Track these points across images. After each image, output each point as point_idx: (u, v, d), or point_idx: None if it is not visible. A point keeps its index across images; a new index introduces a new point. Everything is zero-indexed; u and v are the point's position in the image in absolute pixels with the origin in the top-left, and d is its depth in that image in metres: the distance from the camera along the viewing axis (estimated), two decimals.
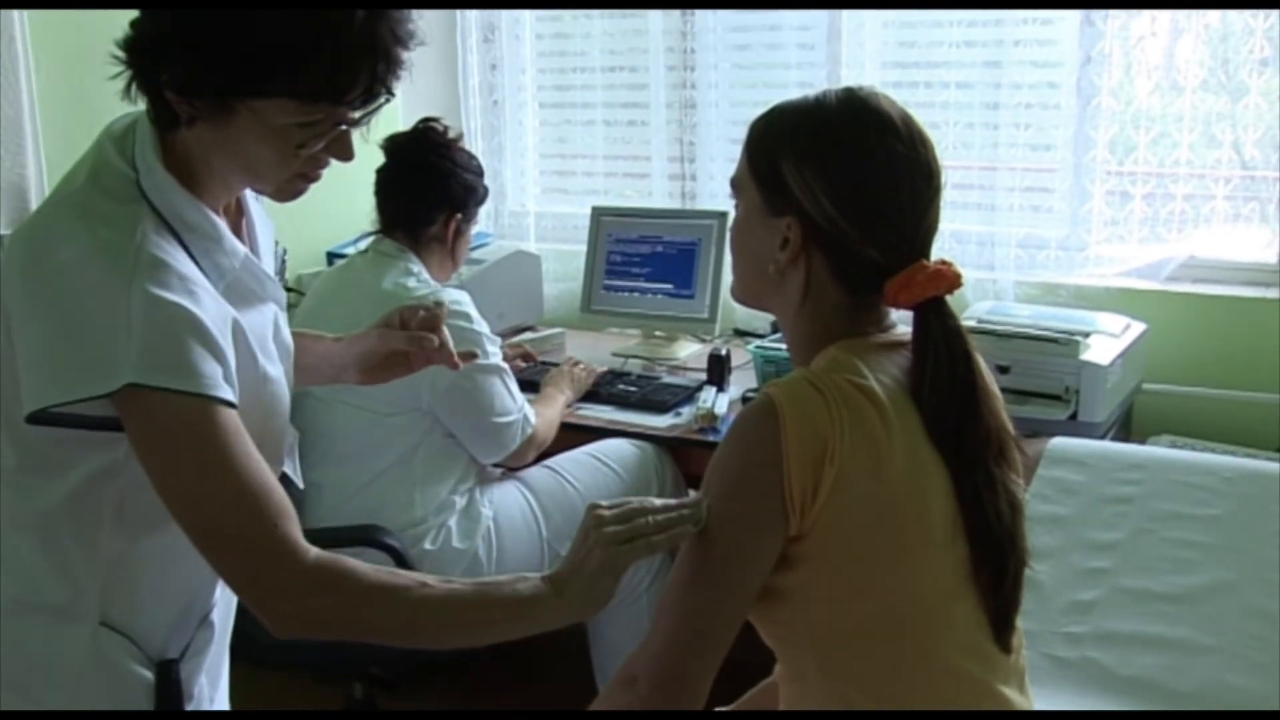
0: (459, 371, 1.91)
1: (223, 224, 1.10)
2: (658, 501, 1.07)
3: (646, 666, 1.05)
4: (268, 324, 1.16)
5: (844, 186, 1.07)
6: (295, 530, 1.03)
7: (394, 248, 2.12)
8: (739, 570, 1.04)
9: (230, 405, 1.02)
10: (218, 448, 1.00)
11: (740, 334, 2.73)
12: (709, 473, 1.09)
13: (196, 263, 1.06)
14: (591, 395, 2.41)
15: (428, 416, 2.04)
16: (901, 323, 1.13)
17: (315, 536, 1.06)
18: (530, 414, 2.13)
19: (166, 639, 1.14)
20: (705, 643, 1.03)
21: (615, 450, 2.22)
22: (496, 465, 2.16)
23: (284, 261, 1.36)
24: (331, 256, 2.80)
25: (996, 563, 1.08)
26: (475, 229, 2.30)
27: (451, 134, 2.18)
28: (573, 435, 2.27)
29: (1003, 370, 2.12)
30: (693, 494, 1.11)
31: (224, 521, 1.01)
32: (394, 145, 2.14)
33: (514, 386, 2.11)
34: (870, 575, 1.05)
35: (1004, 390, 2.03)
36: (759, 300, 1.17)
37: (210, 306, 1.03)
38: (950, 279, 1.08)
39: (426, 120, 2.18)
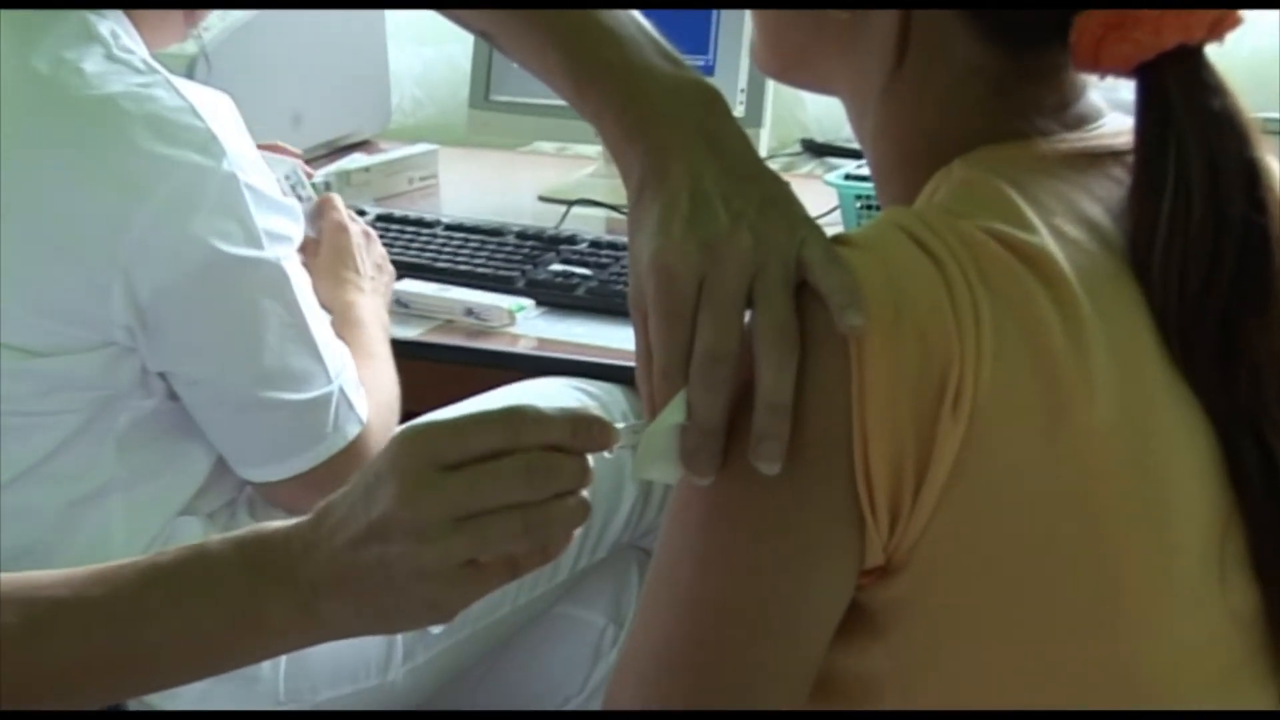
0: (191, 276, 1.54)
1: None
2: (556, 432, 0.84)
3: None
4: None
5: None
6: None
7: None
8: (773, 640, 0.85)
9: None
10: None
11: (813, 150, 2.26)
12: None
13: None
14: (494, 286, 1.86)
15: (133, 355, 1.53)
16: (1115, 108, 0.91)
17: None
18: (354, 391, 1.60)
19: None
20: None
21: (544, 403, 1.69)
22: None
23: None
24: None
25: None
26: None
27: None
28: (459, 375, 1.75)
29: None
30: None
31: None
32: None
33: (316, 316, 1.58)
34: (1049, 643, 0.84)
35: None
36: (805, 68, 0.98)
37: None
38: (1215, 11, 0.89)
39: None
